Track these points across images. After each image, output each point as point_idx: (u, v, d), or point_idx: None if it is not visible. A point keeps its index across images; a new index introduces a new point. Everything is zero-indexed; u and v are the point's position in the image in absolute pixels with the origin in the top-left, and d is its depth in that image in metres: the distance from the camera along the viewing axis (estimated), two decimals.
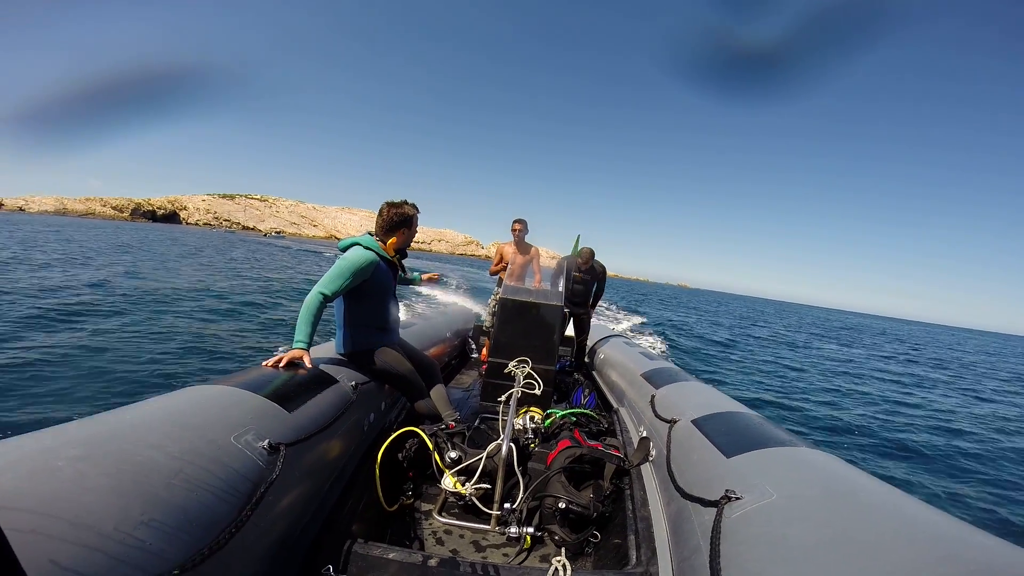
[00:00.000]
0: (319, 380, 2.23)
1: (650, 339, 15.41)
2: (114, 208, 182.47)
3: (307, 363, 2.27)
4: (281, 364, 2.20)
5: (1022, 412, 12.25)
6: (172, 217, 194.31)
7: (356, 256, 2.54)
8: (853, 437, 7.92)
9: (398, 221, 2.75)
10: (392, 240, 2.77)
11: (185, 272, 18.40)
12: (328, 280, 2.45)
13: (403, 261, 2.97)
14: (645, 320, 22.54)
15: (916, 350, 31.10)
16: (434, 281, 3.59)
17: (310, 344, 2.36)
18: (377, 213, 2.78)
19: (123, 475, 1.11)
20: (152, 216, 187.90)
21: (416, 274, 3.44)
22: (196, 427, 1.44)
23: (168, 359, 6.96)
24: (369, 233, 2.78)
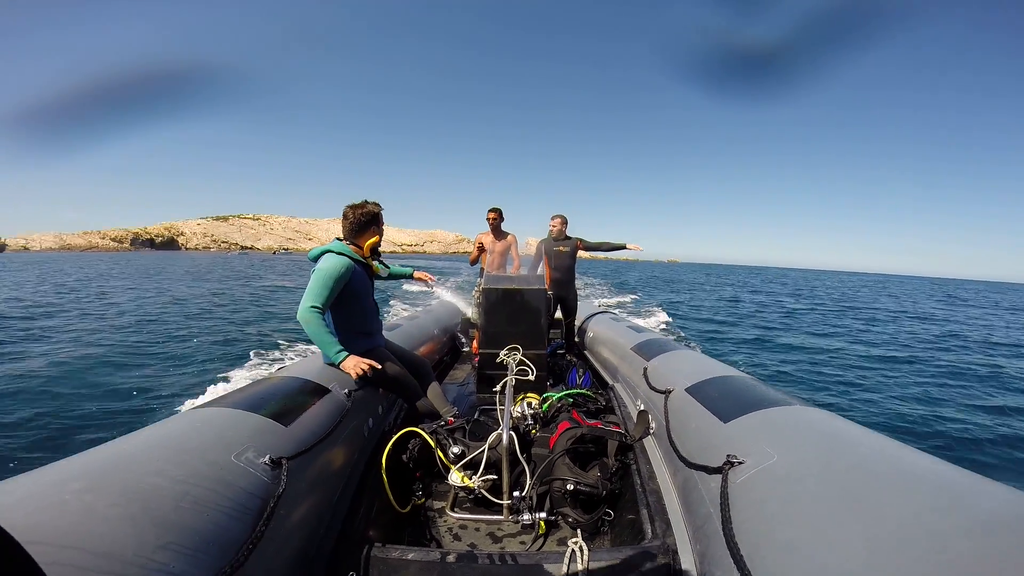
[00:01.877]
0: (311, 392, 2.18)
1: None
2: (113, 240, 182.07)
3: (376, 365, 2.51)
4: (365, 370, 2.44)
5: None
6: (171, 243, 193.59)
7: (332, 264, 2.45)
8: None
9: (366, 220, 2.66)
10: (366, 241, 2.69)
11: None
12: (313, 294, 2.38)
13: (379, 260, 2.90)
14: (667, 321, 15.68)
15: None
16: (425, 281, 3.51)
17: (343, 348, 2.47)
18: (342, 217, 2.69)
19: (131, 503, 1.10)
20: (151, 244, 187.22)
21: (409, 268, 3.37)
22: (195, 450, 1.42)
23: None
24: (337, 239, 2.68)
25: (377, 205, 2.72)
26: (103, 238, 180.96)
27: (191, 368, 8.02)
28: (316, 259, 2.55)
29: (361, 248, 2.69)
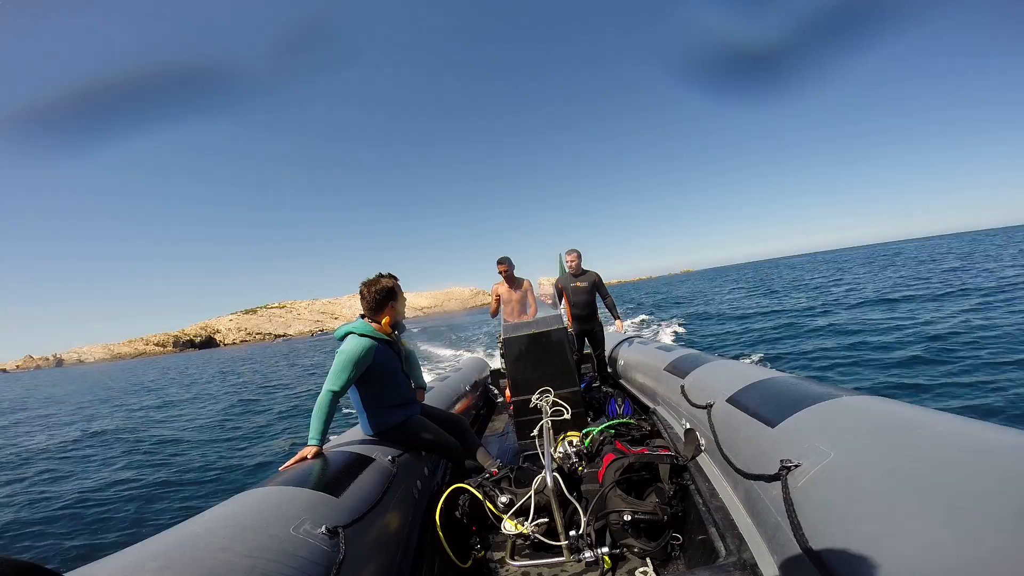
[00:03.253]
0: (357, 463, 2.19)
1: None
2: (157, 344, 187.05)
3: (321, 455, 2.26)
4: (295, 461, 2.18)
5: None
6: (210, 342, 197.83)
7: (353, 347, 2.42)
8: None
9: (382, 297, 2.61)
10: (385, 319, 2.63)
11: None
12: (334, 376, 2.37)
13: (402, 334, 2.83)
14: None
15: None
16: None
17: (323, 440, 2.30)
18: (360, 296, 2.64)
19: None
20: (192, 344, 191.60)
21: (423, 382, 3.12)
22: (256, 527, 1.46)
23: None
24: (361, 316, 2.65)
25: (392, 278, 2.67)
26: (147, 344, 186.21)
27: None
28: (342, 339, 2.52)
29: (382, 324, 2.63)
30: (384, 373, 2.56)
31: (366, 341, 2.47)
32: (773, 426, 1.75)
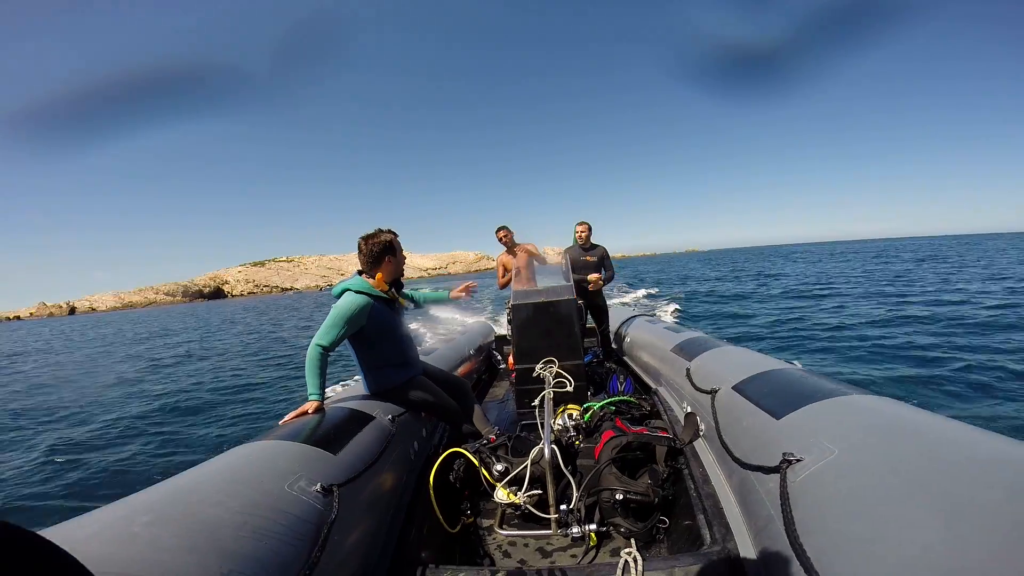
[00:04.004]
0: (357, 420, 2.16)
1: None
2: (167, 294, 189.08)
3: (307, 410, 2.21)
4: (296, 415, 2.16)
5: None
6: (218, 292, 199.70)
7: (347, 303, 2.35)
8: None
9: (379, 252, 2.51)
10: (379, 274, 2.53)
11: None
12: (324, 331, 2.31)
13: (404, 290, 2.77)
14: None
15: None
16: (470, 290, 3.23)
17: (322, 394, 2.27)
18: (357, 250, 2.55)
19: (194, 534, 1.14)
20: (200, 294, 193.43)
21: (443, 292, 3.18)
22: (251, 481, 1.45)
23: None
24: (359, 272, 2.57)
25: (390, 232, 2.58)
26: (156, 293, 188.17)
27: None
28: (339, 296, 2.45)
29: (378, 280, 2.54)
30: (383, 332, 2.50)
31: (361, 298, 2.39)
32: (778, 418, 1.70)
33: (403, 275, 2.71)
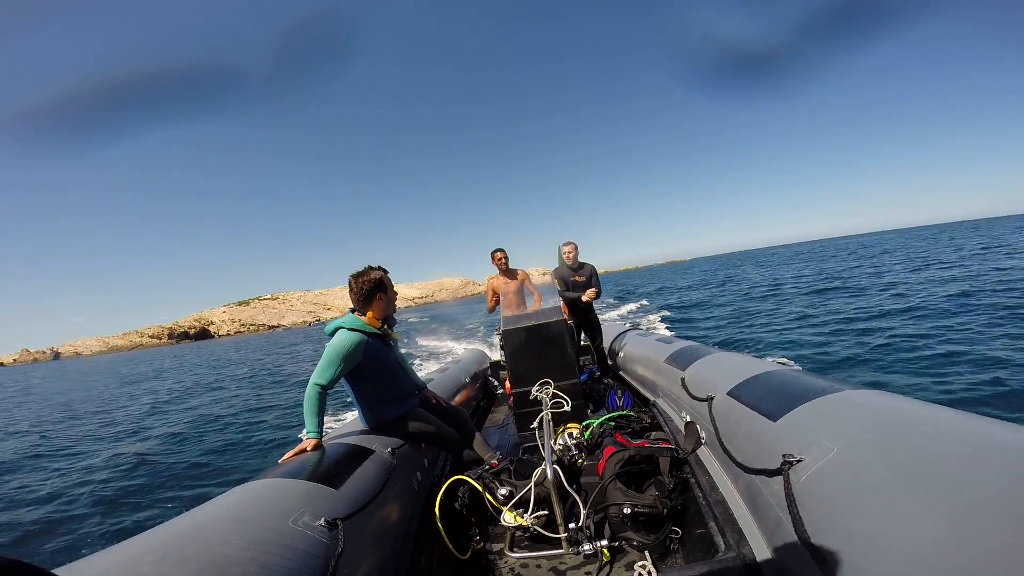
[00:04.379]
0: (356, 455, 2.15)
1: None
2: (151, 336, 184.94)
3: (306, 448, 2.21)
4: (295, 453, 2.15)
5: None
6: (204, 334, 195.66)
7: (341, 341, 2.36)
8: None
9: (369, 290, 2.52)
10: (370, 312, 2.54)
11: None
12: (320, 370, 2.32)
13: (394, 327, 2.75)
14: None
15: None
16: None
17: (321, 432, 2.28)
18: (348, 288, 2.56)
19: (203, 572, 1.13)
20: (187, 336, 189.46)
21: (420, 381, 3.02)
22: (255, 519, 1.44)
23: None
24: (352, 310, 2.58)
25: (380, 270, 2.59)
26: (141, 336, 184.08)
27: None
28: (332, 334, 2.46)
29: (370, 318, 2.55)
30: (378, 368, 2.51)
31: (355, 336, 2.40)
32: (775, 420, 1.72)
33: (395, 310, 2.72)
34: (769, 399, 1.89)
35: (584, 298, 4.79)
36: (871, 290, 14.96)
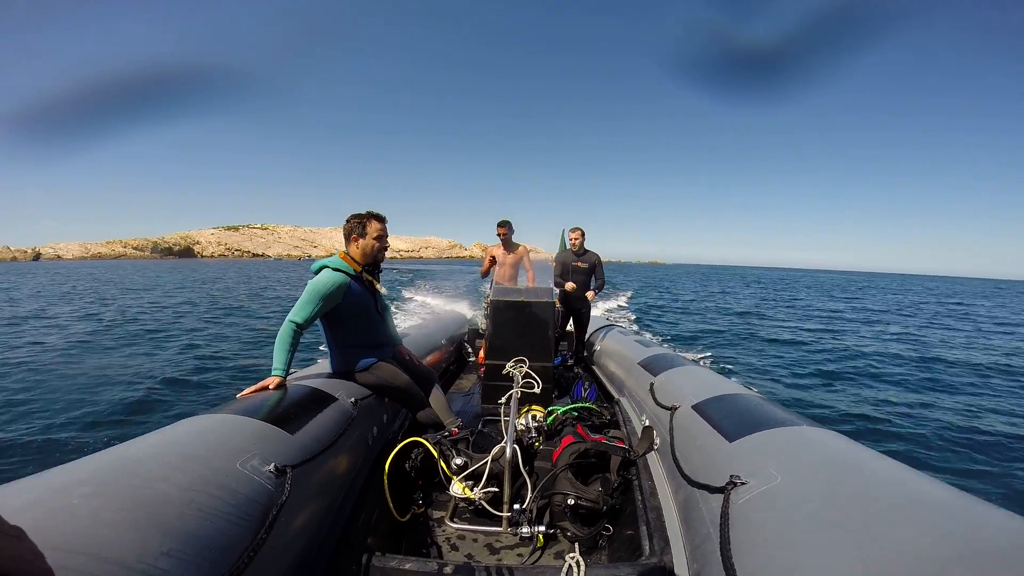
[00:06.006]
0: (318, 400, 2.10)
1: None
2: (135, 248, 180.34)
3: (267, 385, 2.12)
4: (255, 389, 2.07)
5: None
6: (188, 252, 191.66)
7: (323, 280, 2.30)
8: None
9: (347, 231, 2.48)
10: (356, 252, 2.49)
11: None
12: (298, 308, 2.25)
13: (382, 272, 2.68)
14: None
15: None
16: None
17: (287, 371, 2.20)
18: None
19: (137, 509, 1.08)
20: (170, 252, 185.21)
21: (397, 336, 2.95)
22: (201, 457, 1.37)
23: None
24: (341, 252, 2.53)
25: (371, 216, 2.51)
26: (125, 247, 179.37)
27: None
28: (317, 272, 2.40)
29: (358, 262, 2.50)
30: (356, 311, 2.46)
31: (338, 276, 2.35)
32: (731, 441, 1.74)
33: (382, 260, 2.63)
34: (730, 419, 1.90)
35: (567, 288, 4.77)
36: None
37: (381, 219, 2.54)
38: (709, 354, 9.88)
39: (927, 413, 6.38)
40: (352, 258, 2.50)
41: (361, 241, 2.50)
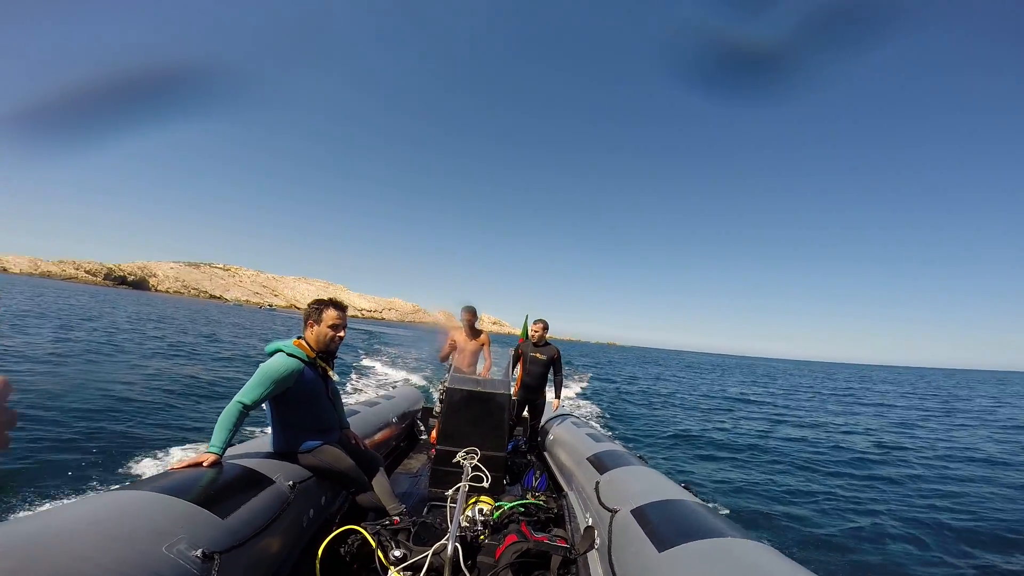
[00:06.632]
0: (253, 481, 2.04)
1: None
2: (88, 272, 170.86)
3: (201, 462, 2.06)
4: (188, 464, 2.02)
5: None
6: (142, 283, 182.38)
7: (276, 365, 2.29)
8: None
9: (306, 315, 2.51)
10: (311, 338, 2.48)
11: None
12: (248, 389, 2.24)
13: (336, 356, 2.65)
14: None
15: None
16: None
17: (224, 451, 2.15)
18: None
19: None
20: (124, 281, 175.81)
21: (345, 421, 2.92)
22: (124, 537, 1.31)
23: None
24: (299, 337, 2.52)
25: (333, 305, 2.52)
26: (77, 269, 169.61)
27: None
28: (271, 354, 2.38)
29: (312, 348, 2.49)
30: (307, 397, 2.44)
31: (292, 362, 2.34)
32: (660, 551, 1.80)
33: (335, 348, 2.61)
34: (664, 528, 1.97)
35: (512, 391, 4.59)
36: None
37: (341, 307, 2.57)
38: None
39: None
40: (307, 343, 2.49)
41: (316, 328, 2.49)
